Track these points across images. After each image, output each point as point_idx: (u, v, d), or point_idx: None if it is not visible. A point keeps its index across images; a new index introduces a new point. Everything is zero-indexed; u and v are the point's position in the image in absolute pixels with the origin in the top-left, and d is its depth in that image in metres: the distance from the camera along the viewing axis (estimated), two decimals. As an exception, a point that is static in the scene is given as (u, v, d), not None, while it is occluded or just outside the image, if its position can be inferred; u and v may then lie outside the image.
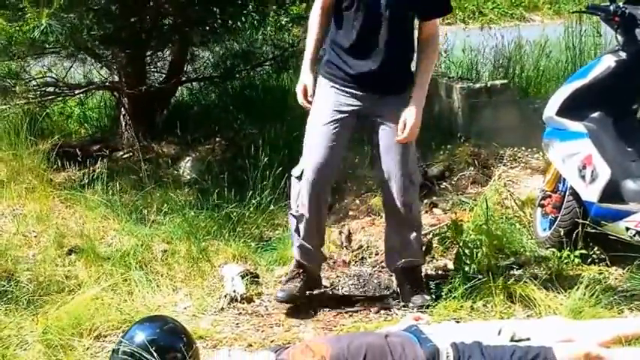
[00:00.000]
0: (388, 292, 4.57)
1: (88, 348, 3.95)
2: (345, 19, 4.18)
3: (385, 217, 4.52)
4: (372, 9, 4.08)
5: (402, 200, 4.27)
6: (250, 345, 3.99)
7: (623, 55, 4.71)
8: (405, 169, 4.23)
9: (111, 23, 6.22)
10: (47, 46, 6.33)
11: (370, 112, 4.26)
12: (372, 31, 4.12)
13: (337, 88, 4.23)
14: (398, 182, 4.24)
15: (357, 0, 4.08)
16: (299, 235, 4.37)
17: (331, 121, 4.20)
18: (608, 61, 4.74)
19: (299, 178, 4.25)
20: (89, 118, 8.06)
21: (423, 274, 4.58)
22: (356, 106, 4.22)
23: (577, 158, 4.64)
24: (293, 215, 4.36)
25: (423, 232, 4.96)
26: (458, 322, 3.86)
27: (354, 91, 4.20)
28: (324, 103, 4.23)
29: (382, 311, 4.38)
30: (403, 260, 4.40)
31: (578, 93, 4.80)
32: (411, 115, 4.13)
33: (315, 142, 4.23)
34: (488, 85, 6.69)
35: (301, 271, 4.45)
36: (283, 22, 7.72)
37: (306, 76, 4.23)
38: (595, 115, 4.72)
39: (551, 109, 4.93)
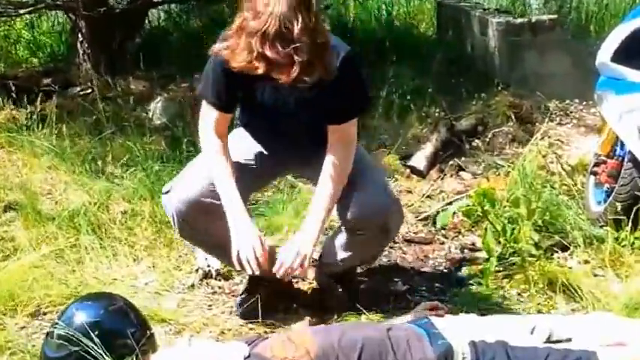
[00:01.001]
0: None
1: (22, 327, 3.92)
2: (255, 127, 4.01)
3: None
4: (282, 112, 3.80)
5: None
6: (223, 332, 3.94)
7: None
8: None
9: None
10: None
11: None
12: (288, 131, 3.89)
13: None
14: None
15: (262, 107, 3.80)
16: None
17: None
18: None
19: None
20: (42, 46, 7.98)
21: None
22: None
23: (637, 115, 4.53)
24: None
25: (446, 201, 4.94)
26: (483, 315, 3.78)
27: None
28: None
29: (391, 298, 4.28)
30: None
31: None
32: (290, 252, 3.72)
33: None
34: (533, 21, 6.58)
35: (257, 279, 4.08)
36: None
37: (249, 228, 3.71)
38: (660, 61, 4.62)
39: (605, 53, 4.83)
